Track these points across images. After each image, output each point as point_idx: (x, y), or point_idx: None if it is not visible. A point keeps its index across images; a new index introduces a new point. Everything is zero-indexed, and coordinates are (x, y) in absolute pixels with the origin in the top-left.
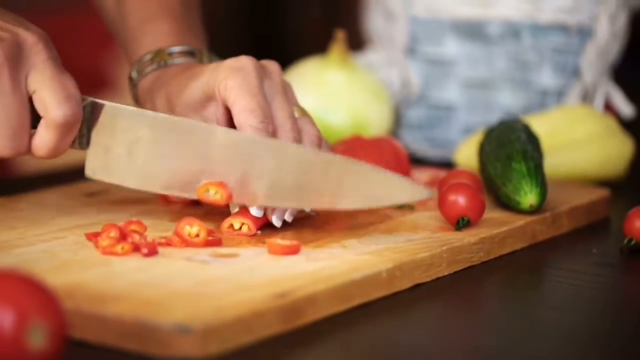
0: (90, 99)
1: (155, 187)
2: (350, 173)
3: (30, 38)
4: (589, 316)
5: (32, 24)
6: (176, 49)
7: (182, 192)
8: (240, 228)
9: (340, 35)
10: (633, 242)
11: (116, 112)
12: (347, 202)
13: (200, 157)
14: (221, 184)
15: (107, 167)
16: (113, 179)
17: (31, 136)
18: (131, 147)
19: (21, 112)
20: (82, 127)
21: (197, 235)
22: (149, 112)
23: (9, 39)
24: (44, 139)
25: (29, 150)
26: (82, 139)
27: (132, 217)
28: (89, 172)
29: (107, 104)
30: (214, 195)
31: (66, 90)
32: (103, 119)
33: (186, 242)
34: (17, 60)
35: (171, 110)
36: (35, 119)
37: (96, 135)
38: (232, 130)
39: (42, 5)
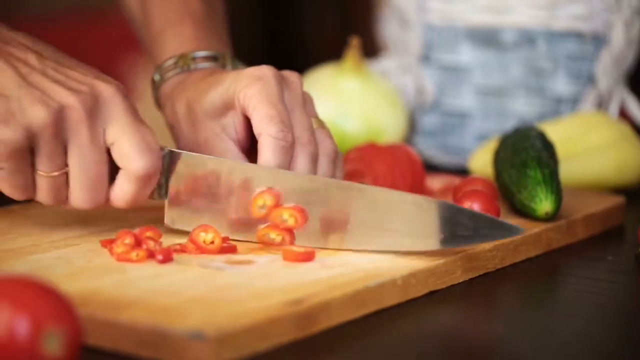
0: (168, 148)
1: (236, 234)
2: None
3: (107, 90)
4: (604, 323)
5: (108, 76)
6: (200, 53)
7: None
8: (276, 237)
9: (355, 42)
10: None
11: (194, 162)
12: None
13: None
14: (297, 209)
15: (186, 217)
16: (192, 227)
17: (109, 187)
18: (209, 196)
19: (100, 164)
20: (161, 178)
21: (212, 242)
22: (225, 160)
23: (86, 92)
24: (123, 190)
25: (107, 201)
26: (161, 189)
27: (147, 223)
28: (168, 221)
29: (184, 154)
30: (288, 220)
31: (146, 141)
32: (180, 168)
33: (201, 249)
34: (95, 112)
35: (191, 115)
36: (113, 170)
37: (174, 185)
38: (310, 176)
39: (58, 12)
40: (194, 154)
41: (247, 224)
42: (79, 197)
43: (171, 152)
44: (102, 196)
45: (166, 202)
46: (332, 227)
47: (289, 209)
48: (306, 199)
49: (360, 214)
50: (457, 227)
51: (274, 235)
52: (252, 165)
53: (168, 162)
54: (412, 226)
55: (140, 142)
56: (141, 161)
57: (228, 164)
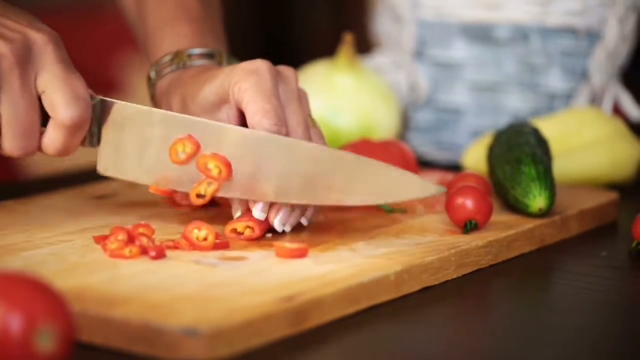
0: (100, 97)
1: (166, 183)
2: (359, 169)
3: (40, 38)
4: (597, 319)
5: (42, 24)
6: (196, 50)
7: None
8: (244, 232)
9: (348, 38)
10: None
11: (126, 110)
12: (355, 199)
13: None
14: (222, 160)
15: (118, 164)
16: (125, 176)
17: (41, 135)
18: (142, 144)
19: (31, 112)
20: (92, 126)
21: (205, 239)
22: (159, 111)
23: (19, 40)
24: (53, 138)
25: (39, 149)
26: (93, 138)
27: (140, 220)
28: (100, 169)
29: (117, 103)
30: (212, 170)
31: (74, 90)
32: (113, 117)
33: (194, 246)
34: (26, 60)
35: (185, 110)
36: (45, 118)
37: (106, 133)
38: (242, 128)
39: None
40: (125, 102)
41: (172, 172)
42: (10, 143)
43: (102, 100)
44: (34, 144)
45: (98, 149)
46: (262, 179)
47: (213, 158)
48: (235, 152)
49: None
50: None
51: (213, 166)
52: (181, 116)
53: (100, 111)
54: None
55: (69, 91)
56: (69, 110)
57: (159, 113)
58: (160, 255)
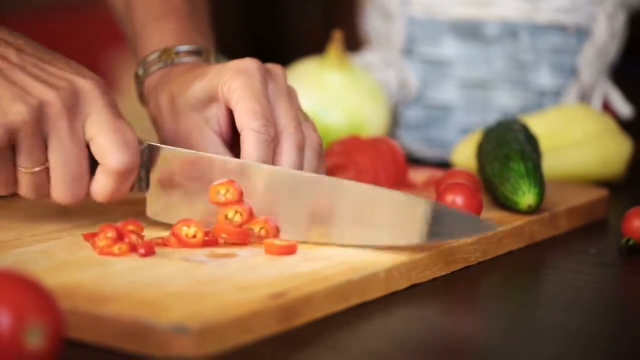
0: (147, 142)
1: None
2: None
3: (86, 85)
4: (587, 316)
5: (89, 71)
6: (183, 48)
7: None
8: (234, 218)
9: (337, 35)
10: (631, 242)
11: (173, 156)
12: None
13: (255, 197)
14: (230, 183)
15: (168, 210)
16: (175, 221)
17: (90, 181)
18: (192, 189)
19: (80, 160)
20: (141, 171)
21: (194, 236)
22: (204, 155)
23: (65, 87)
24: (102, 185)
25: (88, 195)
26: (142, 183)
27: (130, 217)
28: (150, 214)
29: (163, 147)
30: (225, 195)
31: (123, 137)
32: (161, 161)
33: (183, 243)
34: (74, 107)
35: (173, 108)
36: (93, 164)
37: (155, 178)
38: (287, 170)
39: (43, 7)
40: (173, 147)
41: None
42: (60, 191)
43: (150, 145)
44: (83, 191)
45: (147, 194)
46: (316, 221)
47: (223, 185)
48: (283, 194)
49: (342, 208)
50: (435, 224)
51: (224, 192)
52: (229, 158)
53: (148, 156)
54: (393, 222)
55: (118, 138)
56: (119, 157)
57: (207, 157)
58: (149, 252)
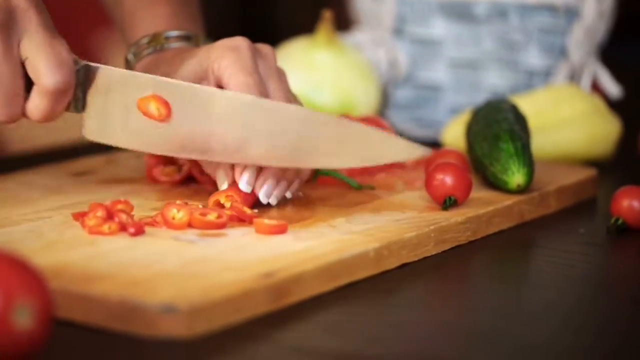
0: (84, 62)
1: (152, 148)
2: (347, 132)
3: (22, 3)
4: (576, 295)
5: None
6: (173, 33)
7: (178, 153)
8: (227, 204)
9: (327, 15)
10: (620, 222)
11: (111, 74)
12: (343, 161)
13: (197, 119)
14: (162, 100)
15: (104, 129)
16: (110, 141)
17: (25, 101)
18: (127, 109)
19: (14, 78)
20: (77, 91)
21: (182, 219)
22: (144, 75)
23: (1, 5)
24: (37, 104)
25: (23, 115)
26: (78, 103)
27: (119, 196)
28: (86, 133)
29: (102, 67)
30: (153, 111)
31: (58, 56)
32: (98, 82)
33: (168, 224)
34: (9, 26)
35: None
36: (29, 83)
37: (92, 98)
38: (230, 93)
39: None
40: (111, 67)
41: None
42: None
43: (87, 65)
44: (18, 110)
45: (84, 114)
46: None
47: (155, 99)
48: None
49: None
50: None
51: (154, 107)
52: (163, 79)
53: (84, 76)
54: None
55: (53, 57)
56: (53, 76)
57: (143, 78)
58: (139, 231)
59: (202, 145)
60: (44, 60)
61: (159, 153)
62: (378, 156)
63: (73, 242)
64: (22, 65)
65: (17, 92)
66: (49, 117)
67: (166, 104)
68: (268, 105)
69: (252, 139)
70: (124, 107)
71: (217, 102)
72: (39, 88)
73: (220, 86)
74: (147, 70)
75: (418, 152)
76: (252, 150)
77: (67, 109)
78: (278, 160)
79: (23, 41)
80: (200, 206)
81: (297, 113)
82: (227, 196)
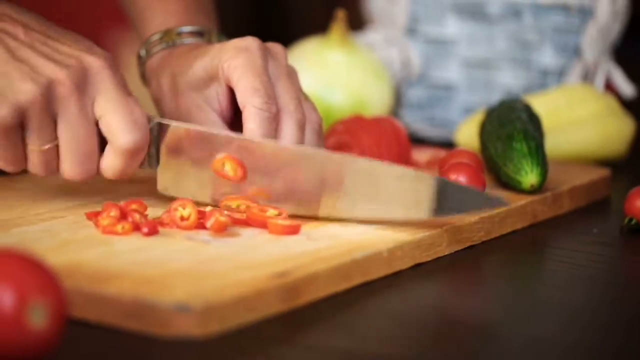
0: (157, 119)
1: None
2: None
3: (96, 63)
4: (589, 295)
5: (98, 48)
6: (185, 29)
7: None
8: (237, 208)
9: (340, 14)
10: (633, 222)
11: (182, 132)
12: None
13: (259, 172)
14: (237, 161)
15: (178, 184)
16: (185, 195)
17: (99, 158)
18: (200, 165)
19: (89, 138)
20: (150, 148)
21: (188, 218)
22: (213, 132)
23: (75, 65)
24: (112, 163)
25: (97, 173)
26: (152, 159)
27: (133, 196)
28: (161, 188)
29: (173, 124)
30: (228, 171)
31: (132, 115)
32: (169, 138)
33: (175, 224)
34: (83, 86)
35: (174, 88)
36: (103, 141)
37: (164, 154)
38: (295, 146)
39: None
40: (181, 122)
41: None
42: (69, 169)
43: (159, 122)
44: (93, 168)
45: (158, 170)
46: (323, 195)
47: (230, 159)
48: (294, 168)
49: (349, 183)
50: (444, 199)
51: (229, 168)
52: (234, 134)
53: (157, 132)
54: (401, 197)
55: (127, 116)
56: (128, 136)
57: (213, 132)
58: (152, 231)
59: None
60: (118, 119)
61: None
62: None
63: (87, 242)
64: (97, 124)
65: (91, 151)
66: (124, 174)
67: (241, 165)
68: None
69: (326, 190)
70: (197, 164)
71: (276, 154)
72: (114, 147)
73: (229, 87)
74: (159, 66)
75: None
76: (320, 201)
77: (141, 165)
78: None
79: (97, 100)
80: (209, 208)
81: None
82: (238, 199)
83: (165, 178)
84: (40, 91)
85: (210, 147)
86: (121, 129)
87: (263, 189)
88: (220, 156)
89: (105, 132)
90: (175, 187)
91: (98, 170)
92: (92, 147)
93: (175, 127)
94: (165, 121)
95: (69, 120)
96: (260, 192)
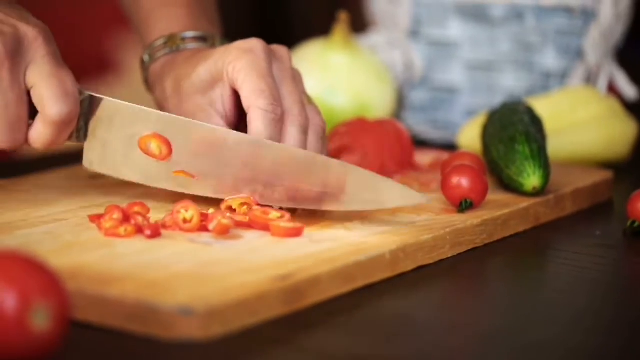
0: (88, 93)
1: (151, 182)
2: (348, 178)
3: (30, 32)
4: (592, 298)
5: (33, 17)
6: (189, 34)
7: (177, 188)
8: (239, 209)
9: (343, 17)
10: (636, 224)
11: (114, 107)
12: (342, 205)
13: (198, 155)
14: (162, 139)
15: (104, 160)
16: (110, 172)
17: (28, 128)
18: (129, 142)
19: (19, 106)
20: (80, 121)
21: (191, 220)
22: (147, 110)
23: (9, 33)
24: (40, 133)
25: (26, 142)
26: (80, 132)
27: (135, 198)
28: (86, 163)
29: (105, 99)
30: (154, 150)
31: (63, 86)
32: (101, 113)
33: (178, 227)
34: (16, 54)
35: (178, 91)
36: (33, 111)
37: (93, 129)
38: (235, 133)
39: None
40: (114, 99)
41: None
42: None
43: (91, 96)
44: (21, 137)
45: (85, 144)
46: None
47: (155, 137)
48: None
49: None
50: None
51: (155, 146)
52: (166, 115)
53: (88, 106)
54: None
55: (58, 87)
56: (57, 106)
57: (145, 112)
58: (155, 234)
59: (202, 183)
60: (49, 89)
61: (158, 187)
62: (378, 202)
63: (89, 244)
64: (28, 93)
65: (21, 120)
66: (51, 145)
67: (167, 143)
68: (272, 147)
69: (257, 179)
70: (126, 140)
71: (217, 139)
72: (43, 117)
73: (234, 88)
74: (163, 70)
75: (415, 200)
76: (247, 189)
77: (69, 138)
78: (278, 200)
79: (29, 70)
80: (211, 210)
81: (299, 155)
82: (242, 202)
83: (92, 153)
84: None
85: (140, 124)
86: (51, 99)
87: (188, 171)
88: (147, 133)
89: (36, 101)
90: (101, 163)
91: (27, 141)
92: (21, 116)
93: (107, 102)
94: (97, 95)
95: (0, 87)
96: (185, 174)
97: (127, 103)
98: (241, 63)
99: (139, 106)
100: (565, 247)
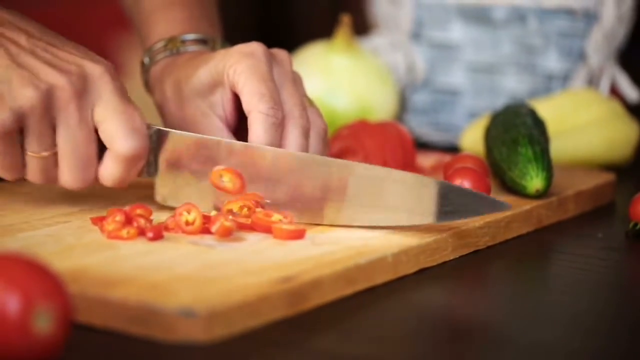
0: (156, 127)
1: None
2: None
3: (96, 70)
4: (594, 300)
5: (98, 56)
6: (189, 36)
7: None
8: (240, 212)
9: (345, 19)
10: (638, 226)
11: (182, 140)
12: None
13: (262, 180)
14: (236, 173)
15: (177, 194)
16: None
17: (98, 166)
18: (200, 174)
19: (88, 145)
20: (149, 156)
21: (193, 223)
22: (211, 138)
23: (75, 72)
24: (110, 170)
25: (96, 180)
26: (150, 167)
27: (138, 201)
28: (158, 198)
29: (172, 132)
30: (227, 183)
31: (132, 122)
32: (169, 146)
33: (180, 229)
34: (84, 92)
35: (179, 94)
36: (102, 148)
37: (163, 163)
38: (294, 154)
39: None
40: (180, 131)
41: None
42: (68, 176)
43: (159, 130)
44: (91, 175)
45: (156, 179)
46: (326, 203)
47: (228, 172)
48: (296, 175)
49: (352, 190)
50: (448, 204)
51: (227, 180)
52: (235, 142)
53: (156, 140)
54: (404, 202)
55: (127, 123)
56: (127, 142)
57: (214, 140)
58: (157, 236)
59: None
60: (118, 125)
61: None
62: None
63: (92, 247)
64: (96, 131)
65: (90, 159)
66: (122, 182)
67: (240, 176)
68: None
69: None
70: (196, 173)
71: (281, 163)
72: (113, 154)
73: (235, 92)
74: (163, 73)
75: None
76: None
77: (139, 174)
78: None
79: (97, 107)
80: (214, 213)
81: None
82: (242, 205)
83: (164, 188)
84: (41, 97)
85: (210, 156)
86: (120, 136)
87: (263, 197)
88: (218, 168)
89: (105, 138)
90: (173, 197)
91: (97, 178)
92: (90, 154)
93: (174, 135)
94: (164, 129)
95: (68, 127)
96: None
97: (192, 134)
98: (242, 66)
99: (203, 135)
100: (567, 249)
